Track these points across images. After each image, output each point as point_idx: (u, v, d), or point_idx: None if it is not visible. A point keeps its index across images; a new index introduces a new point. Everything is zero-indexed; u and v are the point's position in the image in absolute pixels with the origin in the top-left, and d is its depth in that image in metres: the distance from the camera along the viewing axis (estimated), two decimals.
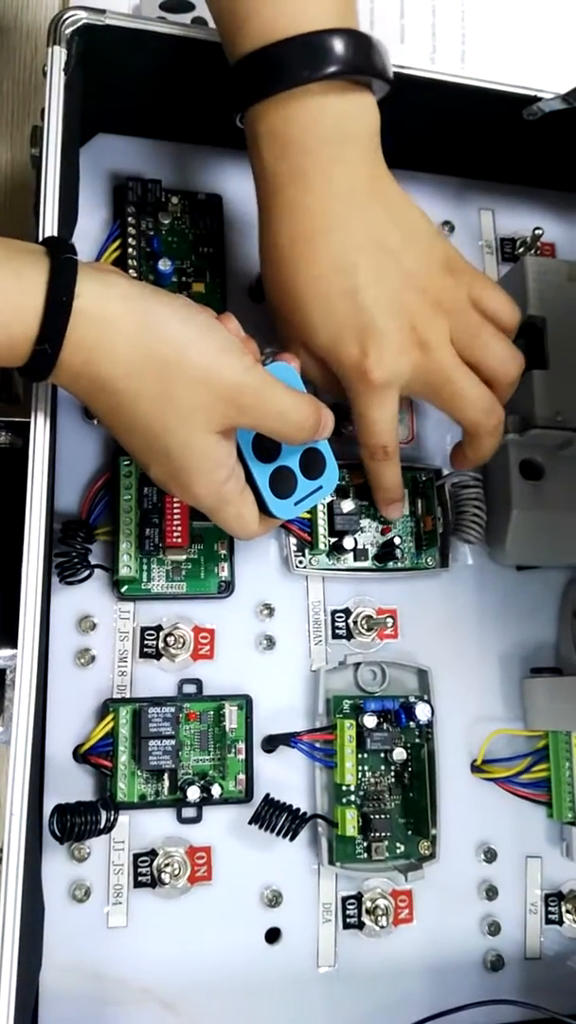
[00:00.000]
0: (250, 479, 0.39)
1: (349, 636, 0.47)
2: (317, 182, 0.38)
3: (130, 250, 0.46)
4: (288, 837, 0.42)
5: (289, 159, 0.38)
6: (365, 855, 0.44)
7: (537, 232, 0.51)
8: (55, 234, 0.38)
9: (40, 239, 0.38)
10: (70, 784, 0.42)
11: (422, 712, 0.45)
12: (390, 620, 0.47)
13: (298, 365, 0.40)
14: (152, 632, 0.44)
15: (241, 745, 0.43)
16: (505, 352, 0.41)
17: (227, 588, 0.45)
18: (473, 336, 0.41)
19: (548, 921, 0.47)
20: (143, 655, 0.44)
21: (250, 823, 0.42)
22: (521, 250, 0.53)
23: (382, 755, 0.45)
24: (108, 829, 0.40)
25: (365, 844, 0.44)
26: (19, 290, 0.32)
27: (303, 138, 0.38)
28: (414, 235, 0.40)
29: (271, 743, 0.45)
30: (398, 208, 0.40)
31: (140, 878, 0.42)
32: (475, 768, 0.47)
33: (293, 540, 0.46)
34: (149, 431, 0.35)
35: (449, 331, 0.40)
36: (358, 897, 0.45)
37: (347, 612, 0.47)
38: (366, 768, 0.45)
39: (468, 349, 0.41)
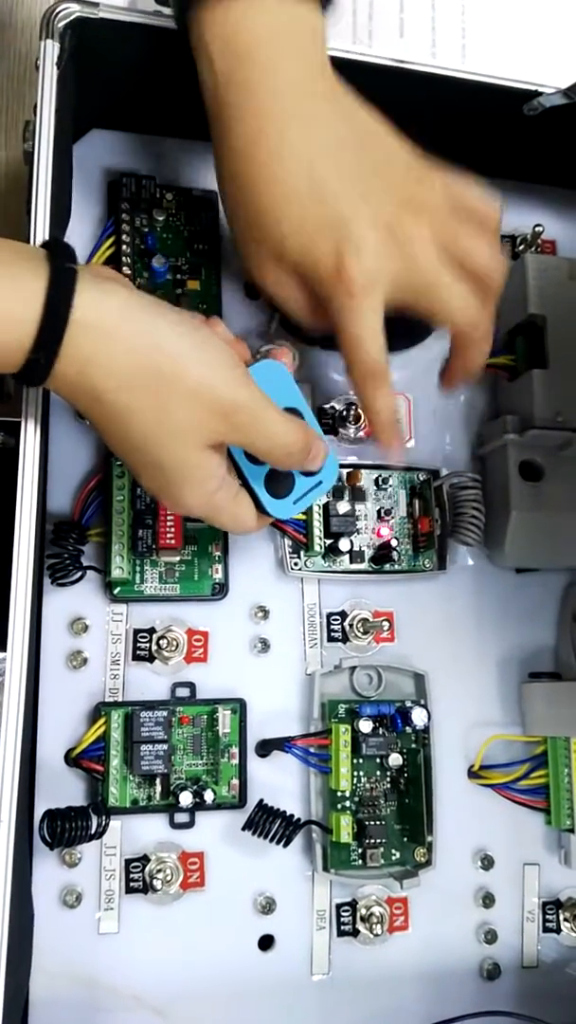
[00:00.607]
0: (245, 482, 0.38)
1: (345, 639, 0.46)
2: (266, 82, 0.36)
3: (124, 247, 0.45)
4: (282, 843, 0.41)
5: (234, 62, 0.37)
6: (360, 862, 0.44)
7: (537, 229, 0.50)
8: (47, 230, 0.37)
9: (31, 235, 0.37)
10: (61, 788, 0.42)
11: (418, 717, 0.44)
12: (386, 623, 0.46)
13: (289, 361, 0.39)
14: (145, 634, 0.44)
15: (235, 750, 0.43)
16: (489, 250, 0.39)
17: (221, 590, 0.44)
18: (453, 235, 0.38)
19: (545, 929, 0.47)
20: (136, 658, 0.43)
21: (243, 829, 0.41)
22: (521, 247, 0.52)
23: (378, 760, 0.44)
24: (99, 834, 0.40)
25: (360, 851, 0.44)
26: (16, 298, 0.31)
27: (248, 41, 0.36)
28: (375, 135, 0.38)
29: (265, 748, 0.44)
30: (354, 109, 0.38)
31: (132, 884, 0.42)
32: (472, 774, 0.47)
33: (288, 542, 0.45)
34: (142, 444, 0.35)
35: (427, 230, 0.38)
36: (353, 904, 0.44)
37: (343, 615, 0.46)
38: (361, 773, 0.44)
39: (449, 249, 0.38)
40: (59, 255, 0.33)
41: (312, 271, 0.37)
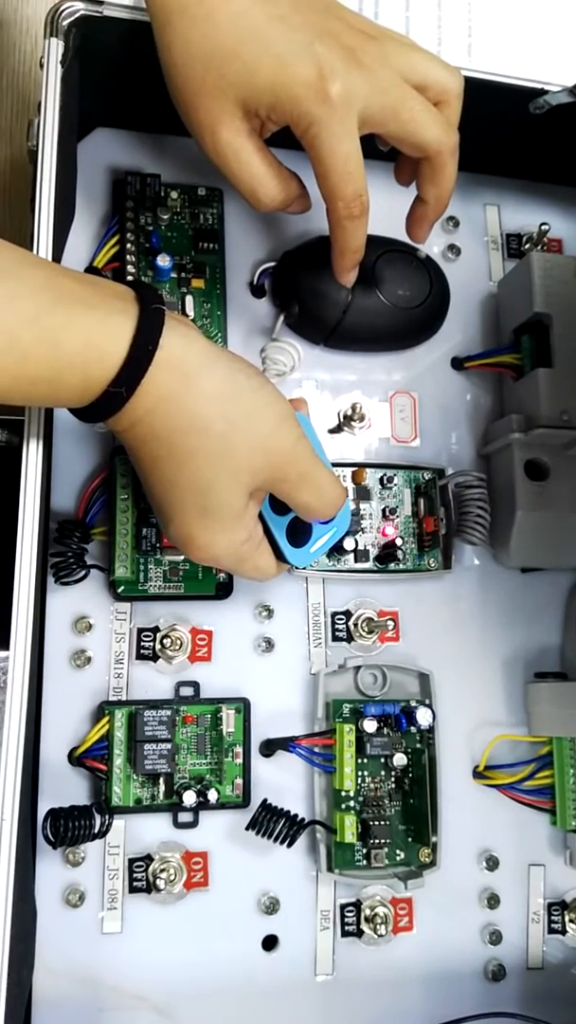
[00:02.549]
0: (268, 532, 0.39)
1: (349, 639, 0.46)
2: None
3: (128, 245, 0.45)
4: (286, 843, 0.41)
5: None
6: (364, 862, 0.43)
7: (544, 228, 0.50)
8: (51, 228, 0.38)
9: (35, 233, 0.37)
10: (65, 788, 0.41)
11: (423, 717, 0.44)
12: (391, 623, 0.46)
13: (307, 411, 0.41)
14: (149, 633, 0.43)
15: (239, 749, 0.43)
16: (443, 66, 0.40)
17: (225, 589, 0.44)
18: (407, 58, 0.39)
19: (551, 930, 0.46)
20: (140, 657, 0.43)
21: (247, 829, 0.41)
22: (527, 246, 0.52)
23: (382, 760, 0.44)
24: (102, 834, 0.40)
25: (364, 851, 0.43)
26: (106, 335, 0.32)
27: None
28: None
29: (269, 747, 0.44)
30: None
31: (135, 883, 0.41)
32: (477, 774, 0.46)
33: None
34: (192, 487, 0.36)
35: (387, 58, 0.38)
36: (357, 905, 0.44)
37: (347, 614, 0.46)
38: (366, 773, 0.44)
39: (406, 71, 0.39)
40: (148, 296, 0.34)
41: (288, 96, 0.37)
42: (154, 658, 0.43)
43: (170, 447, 0.35)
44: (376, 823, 0.43)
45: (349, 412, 0.47)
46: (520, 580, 0.49)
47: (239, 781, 0.43)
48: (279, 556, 0.40)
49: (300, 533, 0.40)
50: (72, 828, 0.39)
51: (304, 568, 0.45)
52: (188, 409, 0.34)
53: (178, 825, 0.42)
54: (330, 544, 0.42)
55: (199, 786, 0.42)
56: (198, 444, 0.34)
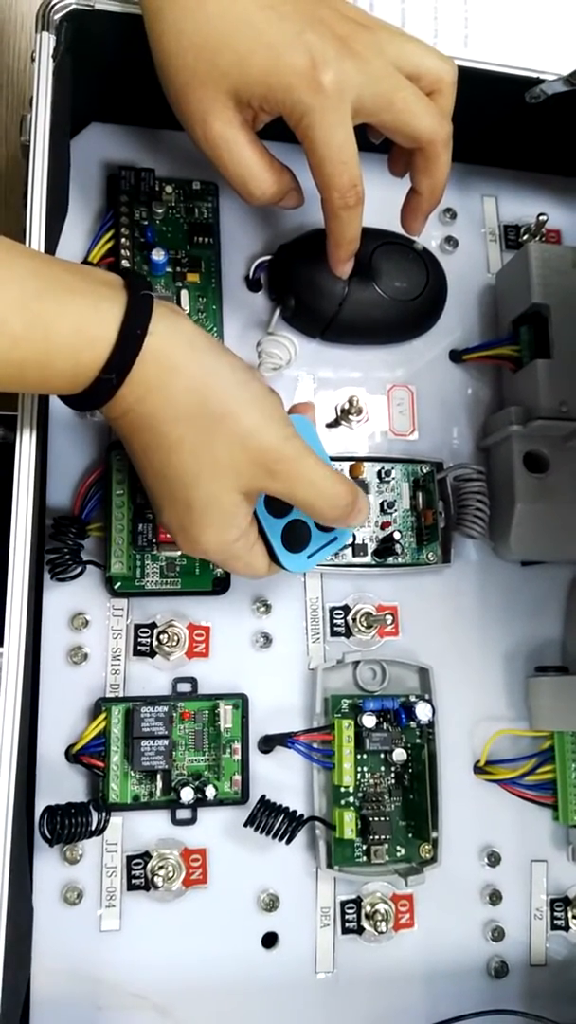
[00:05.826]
0: (263, 533, 0.39)
1: (348, 634, 0.45)
2: None
3: (123, 240, 0.45)
4: (285, 840, 0.41)
5: None
6: (364, 858, 0.43)
7: (542, 218, 0.50)
8: (43, 223, 0.37)
9: (27, 228, 0.37)
10: (62, 785, 0.41)
11: (423, 712, 0.43)
12: (390, 617, 0.46)
13: (313, 416, 0.40)
14: (146, 629, 0.43)
15: (237, 745, 0.43)
16: (436, 55, 0.39)
17: (223, 585, 0.44)
18: (400, 47, 0.39)
19: (554, 927, 0.46)
20: (137, 653, 0.43)
21: (246, 825, 0.41)
22: (525, 237, 0.51)
23: (382, 756, 0.44)
24: (100, 831, 0.39)
25: (364, 847, 0.43)
26: (95, 321, 0.32)
27: None
28: None
29: (267, 743, 0.44)
30: None
31: (133, 881, 0.41)
32: (478, 769, 0.46)
33: None
34: (178, 479, 0.35)
35: (380, 47, 0.38)
36: (357, 901, 0.44)
37: (346, 609, 0.46)
38: (365, 769, 0.44)
39: (399, 61, 0.38)
40: (136, 283, 0.34)
41: (281, 86, 0.36)
42: (151, 654, 0.43)
43: (159, 437, 0.35)
44: (376, 819, 0.43)
45: (346, 406, 0.47)
46: (520, 573, 0.49)
47: (237, 777, 0.42)
48: (275, 560, 0.39)
49: (299, 537, 0.40)
50: (69, 825, 0.38)
51: (298, 573, 0.44)
52: (174, 399, 0.34)
53: (176, 822, 0.42)
54: (329, 552, 0.41)
55: (197, 783, 0.42)
56: (184, 435, 0.34)
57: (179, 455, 0.35)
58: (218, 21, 0.36)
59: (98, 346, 0.32)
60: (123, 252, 0.45)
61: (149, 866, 0.41)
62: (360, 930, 0.43)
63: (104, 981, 0.41)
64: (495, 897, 0.45)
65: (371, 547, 0.46)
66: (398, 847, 0.44)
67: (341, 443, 0.47)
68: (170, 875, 0.41)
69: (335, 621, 0.45)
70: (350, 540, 0.42)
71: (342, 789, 0.43)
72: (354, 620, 0.45)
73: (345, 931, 0.43)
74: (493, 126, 0.48)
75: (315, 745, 0.43)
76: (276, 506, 0.39)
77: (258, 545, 0.39)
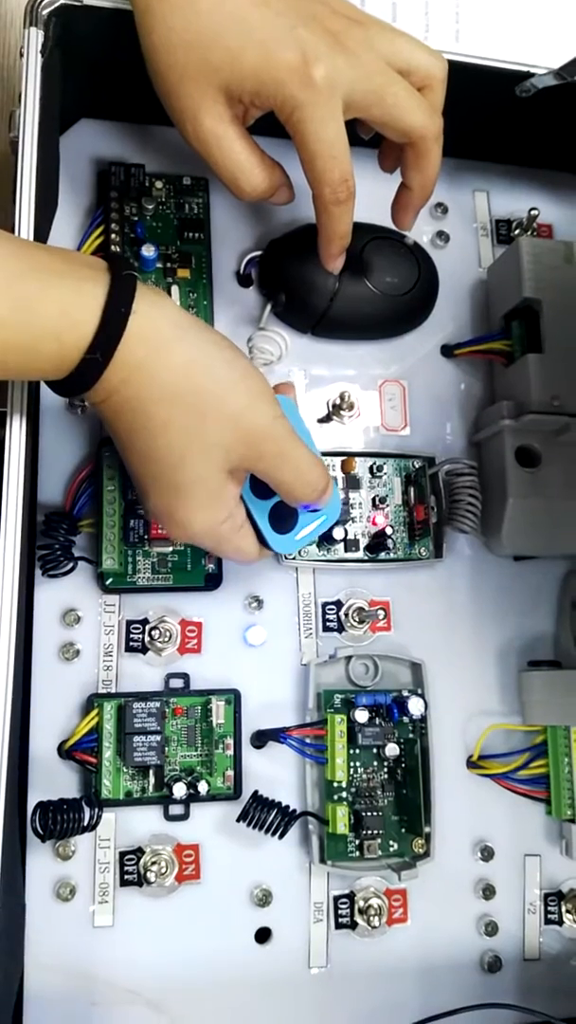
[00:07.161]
0: (250, 516, 0.39)
1: (340, 629, 0.45)
2: None
3: (113, 235, 0.45)
4: (278, 835, 0.41)
5: None
6: (357, 853, 0.43)
7: (533, 213, 0.50)
8: (32, 219, 0.37)
9: (16, 224, 0.37)
10: (54, 781, 0.41)
11: (415, 706, 0.43)
12: (382, 612, 0.46)
13: (295, 396, 0.40)
14: (138, 625, 0.43)
15: (229, 741, 0.42)
16: (427, 51, 0.40)
17: (215, 580, 0.44)
18: (391, 43, 0.39)
19: (547, 921, 0.46)
20: (129, 649, 0.43)
21: (238, 820, 0.41)
22: (517, 232, 0.51)
23: (374, 751, 0.44)
24: (92, 827, 0.39)
25: (357, 842, 0.43)
26: (78, 303, 0.32)
27: None
28: None
29: (260, 739, 0.44)
30: None
31: (126, 876, 0.41)
32: (471, 764, 0.46)
33: None
34: (165, 460, 0.35)
35: (371, 43, 0.38)
36: (350, 896, 0.44)
37: (338, 604, 0.46)
38: (358, 764, 0.44)
39: (390, 56, 0.38)
40: (119, 265, 0.34)
41: (272, 81, 0.36)
42: (143, 650, 0.43)
43: (145, 418, 0.34)
44: (369, 814, 0.43)
45: (338, 401, 0.47)
46: (512, 568, 0.49)
47: (230, 773, 0.42)
48: (263, 543, 0.39)
49: (286, 519, 0.40)
50: (61, 821, 0.38)
51: (287, 556, 0.44)
52: (159, 379, 0.34)
53: (169, 818, 0.42)
54: (317, 533, 0.41)
55: (189, 778, 0.42)
56: (170, 416, 0.34)
57: (165, 436, 0.34)
58: (209, 17, 0.36)
59: (82, 327, 0.32)
60: (113, 248, 0.45)
61: (142, 862, 0.41)
62: (353, 925, 0.43)
63: (97, 977, 0.41)
64: (488, 891, 0.45)
65: (363, 542, 0.46)
66: (391, 842, 0.44)
67: (333, 438, 0.47)
68: (163, 871, 0.41)
69: (327, 616, 0.45)
70: (337, 518, 0.41)
71: (335, 784, 0.43)
72: (346, 615, 0.45)
73: (338, 926, 0.43)
74: (484, 120, 0.48)
75: (308, 740, 0.43)
76: (260, 488, 0.38)
77: (246, 527, 0.39)
